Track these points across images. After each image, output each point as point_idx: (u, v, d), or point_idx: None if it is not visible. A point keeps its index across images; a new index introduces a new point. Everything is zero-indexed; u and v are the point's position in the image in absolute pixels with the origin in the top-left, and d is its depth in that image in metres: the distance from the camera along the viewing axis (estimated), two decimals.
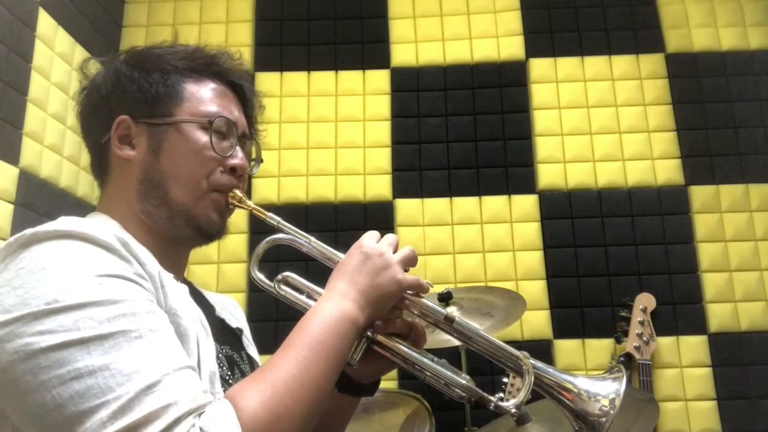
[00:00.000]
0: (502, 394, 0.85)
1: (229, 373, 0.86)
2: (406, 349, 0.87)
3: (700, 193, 2.24)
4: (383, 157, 2.34)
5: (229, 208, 0.92)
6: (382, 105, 2.39)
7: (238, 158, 0.91)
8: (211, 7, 2.48)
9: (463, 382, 0.86)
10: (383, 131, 2.36)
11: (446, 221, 2.27)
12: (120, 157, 0.88)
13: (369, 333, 0.85)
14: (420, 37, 2.45)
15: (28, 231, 0.70)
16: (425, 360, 0.87)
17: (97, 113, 0.90)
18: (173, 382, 0.63)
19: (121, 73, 0.90)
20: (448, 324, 0.87)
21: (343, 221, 2.27)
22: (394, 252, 0.87)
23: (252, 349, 1.03)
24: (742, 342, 2.10)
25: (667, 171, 2.27)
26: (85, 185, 2.08)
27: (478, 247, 2.25)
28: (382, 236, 0.89)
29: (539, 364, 0.86)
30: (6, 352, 0.62)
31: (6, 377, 0.62)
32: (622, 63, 2.38)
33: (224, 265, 2.24)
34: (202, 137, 0.88)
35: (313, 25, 2.47)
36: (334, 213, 2.28)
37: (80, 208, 2.02)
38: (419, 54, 2.43)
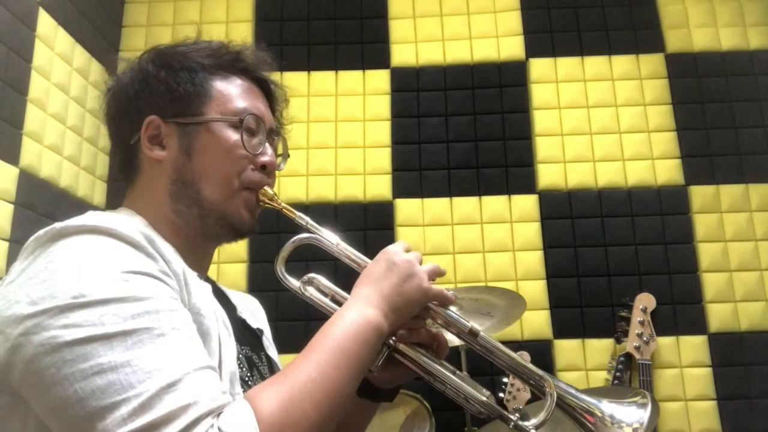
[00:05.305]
0: (519, 414, 0.83)
1: (248, 374, 0.86)
2: (427, 360, 0.87)
3: (700, 193, 2.24)
4: (383, 157, 2.34)
5: (260, 206, 0.92)
6: (382, 105, 2.39)
7: (267, 155, 0.91)
8: (211, 7, 2.48)
9: (484, 398, 0.85)
10: (383, 131, 2.36)
11: (446, 221, 2.27)
12: (151, 157, 0.88)
13: (391, 341, 0.85)
14: (420, 37, 2.45)
15: (58, 225, 0.70)
16: (446, 372, 0.86)
17: (126, 114, 0.90)
18: (193, 381, 0.63)
19: (148, 72, 0.89)
20: (471, 337, 0.87)
21: (343, 221, 2.27)
22: (420, 264, 0.87)
23: (272, 350, 1.03)
24: (742, 342, 2.10)
25: (667, 171, 2.27)
26: (85, 185, 2.08)
27: (478, 247, 2.24)
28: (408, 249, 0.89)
29: (562, 384, 0.84)
30: (32, 344, 0.63)
31: (31, 368, 0.63)
32: (622, 63, 2.38)
33: (224, 265, 2.24)
34: (233, 136, 0.88)
35: (313, 25, 2.47)
36: (334, 213, 2.28)
37: (80, 208, 2.01)
38: (419, 54, 2.43)
